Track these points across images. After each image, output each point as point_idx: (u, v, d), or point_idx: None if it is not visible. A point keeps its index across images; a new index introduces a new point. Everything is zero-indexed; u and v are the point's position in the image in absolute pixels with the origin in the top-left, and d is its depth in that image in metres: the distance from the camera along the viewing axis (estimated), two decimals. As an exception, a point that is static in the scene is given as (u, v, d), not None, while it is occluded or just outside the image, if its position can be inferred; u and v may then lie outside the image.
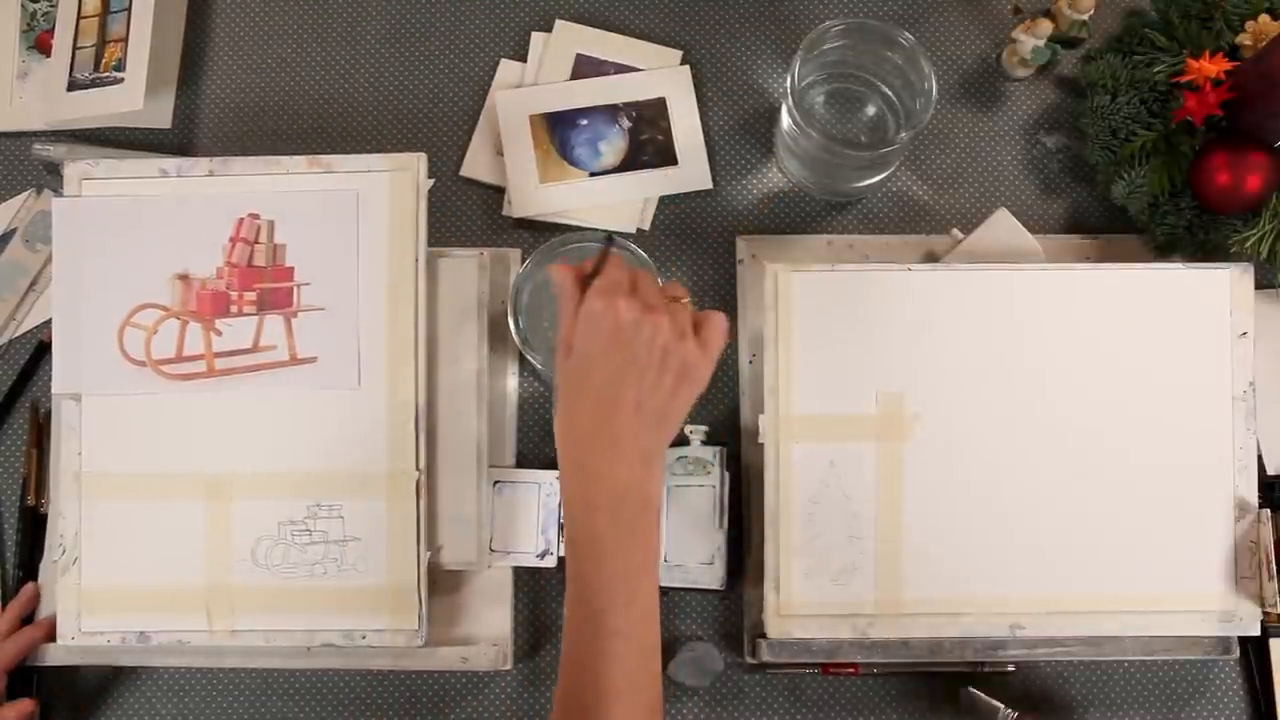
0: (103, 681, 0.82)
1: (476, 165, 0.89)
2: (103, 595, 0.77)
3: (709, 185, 0.88)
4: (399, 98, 0.91)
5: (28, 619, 0.79)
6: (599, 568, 0.62)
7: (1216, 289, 0.78)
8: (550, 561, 0.80)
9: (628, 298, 0.63)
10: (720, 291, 0.87)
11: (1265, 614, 0.77)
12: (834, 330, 0.78)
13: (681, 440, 0.80)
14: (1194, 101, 0.79)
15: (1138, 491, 0.77)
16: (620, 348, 0.62)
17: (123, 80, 0.87)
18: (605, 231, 0.75)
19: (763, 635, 0.78)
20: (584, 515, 0.63)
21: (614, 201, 0.88)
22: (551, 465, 0.82)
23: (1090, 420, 0.78)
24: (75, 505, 0.78)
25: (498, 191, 0.89)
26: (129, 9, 0.89)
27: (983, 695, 0.77)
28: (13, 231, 0.89)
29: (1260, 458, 0.81)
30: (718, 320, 0.66)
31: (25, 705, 0.77)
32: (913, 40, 0.80)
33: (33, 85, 0.92)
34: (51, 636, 0.77)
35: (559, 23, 0.91)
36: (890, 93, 0.85)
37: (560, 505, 0.79)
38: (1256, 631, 0.77)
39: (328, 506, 0.77)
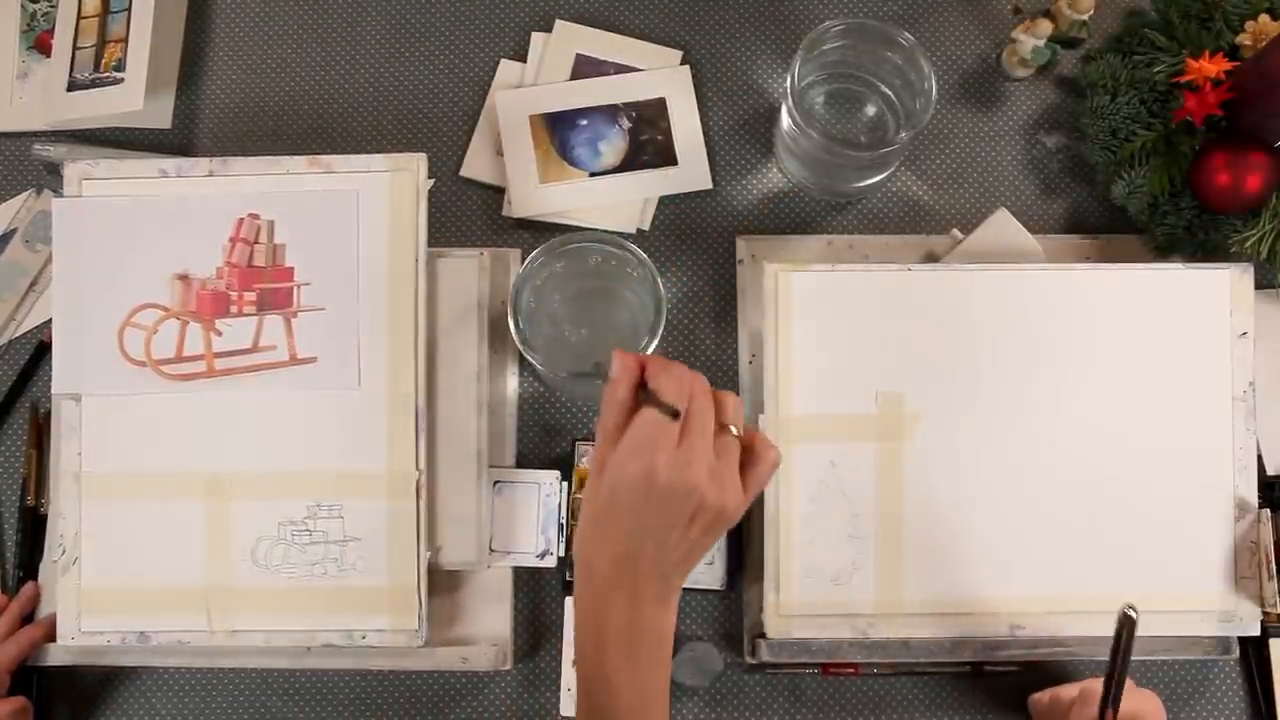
0: (103, 681, 0.82)
1: (476, 165, 0.89)
2: (103, 595, 0.77)
3: (709, 185, 0.88)
4: (399, 98, 0.91)
5: (28, 619, 0.79)
6: (612, 700, 0.62)
7: (1216, 289, 0.78)
8: (550, 561, 0.80)
9: (671, 450, 0.59)
10: (720, 291, 0.87)
11: (1265, 614, 0.77)
12: (834, 330, 0.78)
13: (681, 440, 0.80)
14: (1194, 101, 0.79)
15: (1138, 491, 0.77)
16: (651, 498, 0.59)
17: (123, 80, 0.88)
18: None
19: (763, 635, 0.78)
20: (596, 653, 0.62)
21: (614, 201, 0.88)
22: (551, 465, 0.82)
23: (1090, 420, 0.78)
24: (75, 505, 0.78)
25: (498, 191, 0.89)
26: (129, 9, 0.89)
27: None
28: (13, 231, 0.89)
29: (1260, 458, 0.81)
30: (769, 456, 0.62)
31: (19, 700, 0.77)
32: (913, 40, 0.80)
33: (33, 85, 0.92)
34: (52, 636, 0.78)
35: (559, 23, 0.91)
36: (890, 93, 0.85)
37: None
38: (1256, 631, 0.77)
39: (328, 506, 0.77)
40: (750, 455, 0.62)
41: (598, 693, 0.62)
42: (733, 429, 0.62)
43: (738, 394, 0.84)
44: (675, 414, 0.60)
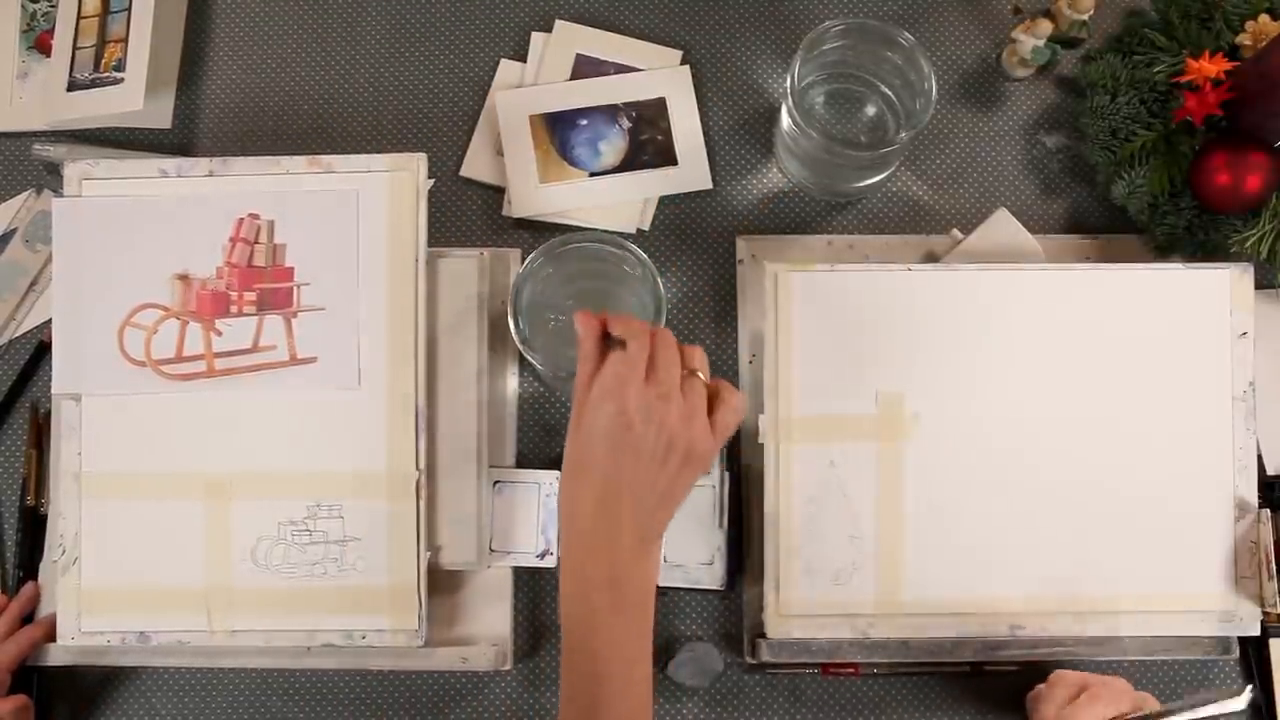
0: (103, 681, 0.82)
1: (476, 165, 0.89)
2: (103, 595, 0.77)
3: (709, 185, 0.88)
4: (399, 98, 0.91)
5: (28, 619, 0.79)
6: (594, 636, 0.63)
7: (1216, 289, 0.78)
8: (550, 561, 0.80)
9: (639, 386, 0.63)
10: (720, 291, 0.87)
11: (1265, 614, 0.77)
12: (834, 330, 0.78)
13: (681, 440, 0.80)
14: (1194, 101, 0.79)
15: (1137, 491, 0.77)
16: (625, 437, 0.62)
17: (123, 80, 0.88)
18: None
19: (763, 635, 0.78)
20: (580, 591, 0.64)
21: (614, 201, 0.88)
22: (551, 465, 0.82)
23: (1090, 420, 0.78)
24: (75, 505, 0.78)
25: (498, 191, 0.89)
26: (129, 9, 0.89)
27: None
28: (13, 231, 0.89)
29: (1260, 458, 0.81)
30: (733, 402, 0.65)
31: (21, 699, 0.77)
32: (913, 40, 0.80)
33: (33, 85, 0.92)
34: (52, 636, 0.77)
35: (559, 23, 0.91)
36: (890, 93, 0.85)
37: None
38: (1256, 631, 0.77)
39: (328, 506, 0.77)
40: (716, 401, 0.65)
41: (580, 634, 0.64)
42: (699, 374, 0.65)
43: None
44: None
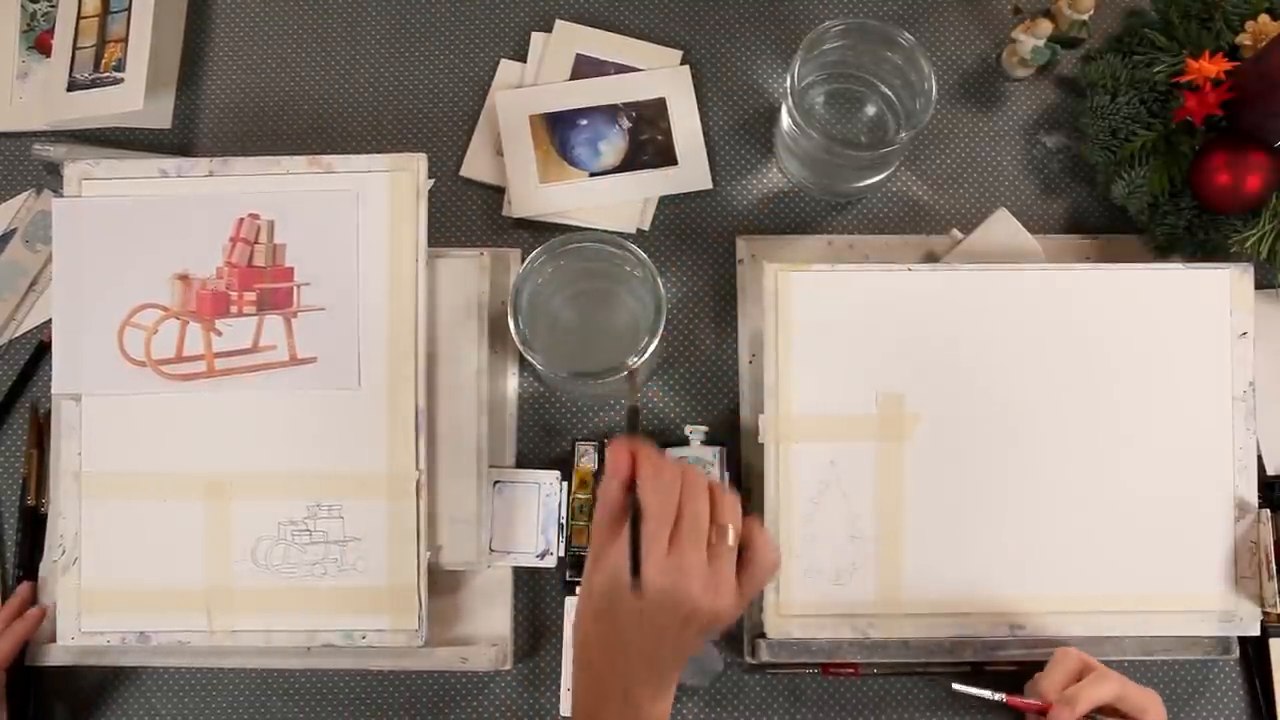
0: (103, 681, 0.82)
1: (476, 165, 0.89)
2: (103, 595, 0.77)
3: (709, 185, 0.88)
4: (399, 98, 0.91)
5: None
6: None
7: (1216, 289, 0.78)
8: (550, 561, 0.80)
9: (660, 559, 0.58)
10: (720, 291, 0.87)
11: (1265, 614, 0.77)
12: (834, 330, 0.78)
13: (681, 440, 0.80)
14: (1194, 101, 0.79)
15: (1137, 491, 0.77)
16: (646, 616, 0.59)
17: (123, 80, 0.88)
18: (630, 406, 0.72)
19: (763, 635, 0.78)
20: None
21: (614, 201, 0.88)
22: (551, 465, 0.82)
23: (1090, 420, 0.78)
24: (75, 505, 0.78)
25: (498, 191, 0.89)
26: (129, 9, 0.89)
27: (971, 690, 0.75)
28: (13, 231, 0.89)
29: (1260, 458, 0.81)
30: (766, 561, 0.60)
31: (33, 609, 0.77)
32: (913, 40, 0.80)
33: (33, 85, 0.92)
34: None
35: (559, 23, 0.91)
36: (890, 93, 0.85)
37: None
38: (1256, 631, 0.77)
39: (328, 506, 0.77)
40: (748, 555, 0.61)
41: None
42: (730, 529, 0.60)
43: (737, 393, 0.84)
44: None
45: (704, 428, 0.80)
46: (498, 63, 0.91)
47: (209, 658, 0.79)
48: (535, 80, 0.90)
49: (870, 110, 0.87)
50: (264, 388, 0.78)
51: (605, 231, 0.81)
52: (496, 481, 0.81)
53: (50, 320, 0.83)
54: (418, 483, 0.77)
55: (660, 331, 0.74)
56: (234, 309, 0.79)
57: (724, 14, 0.92)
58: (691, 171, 0.88)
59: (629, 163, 0.88)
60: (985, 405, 0.78)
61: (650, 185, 0.88)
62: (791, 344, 0.78)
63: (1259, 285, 0.79)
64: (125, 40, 0.88)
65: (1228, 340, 0.78)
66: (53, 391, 0.79)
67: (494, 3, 0.93)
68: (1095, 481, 0.77)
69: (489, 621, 0.81)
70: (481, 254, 0.82)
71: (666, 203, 0.88)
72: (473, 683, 0.81)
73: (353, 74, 0.92)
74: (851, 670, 0.80)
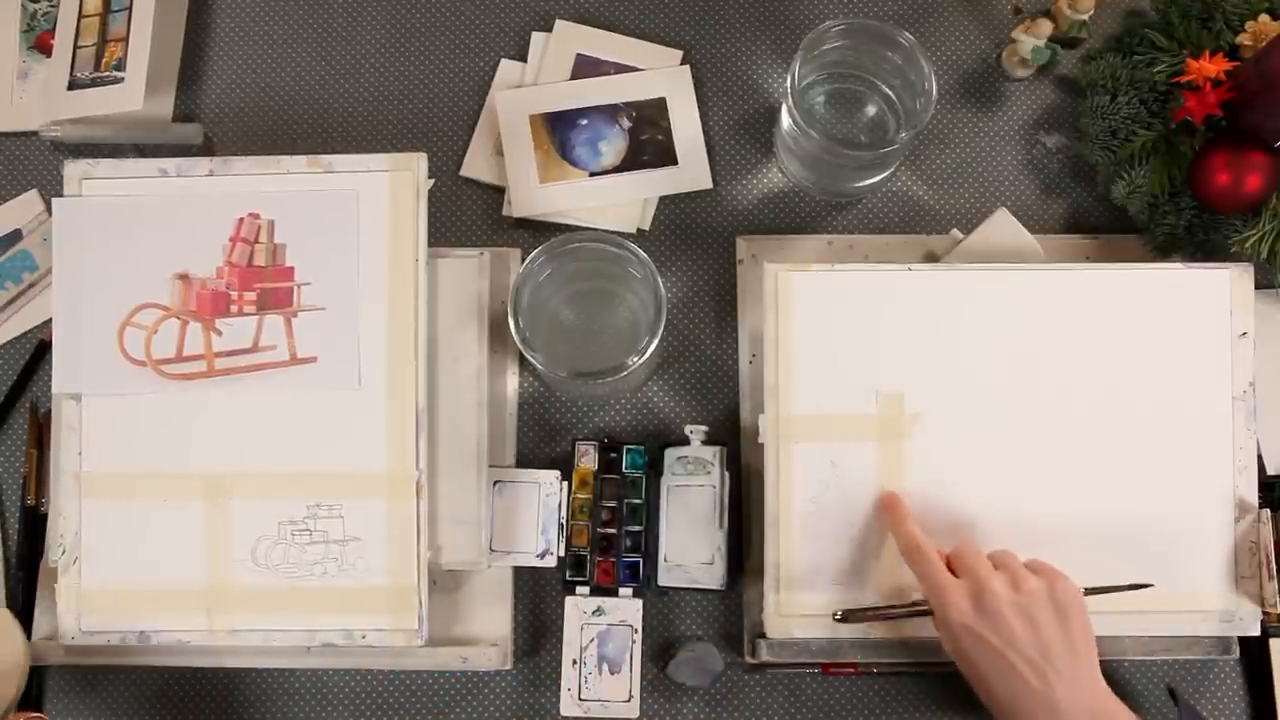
0: (103, 681, 0.82)
1: (476, 165, 0.89)
2: (103, 595, 0.77)
3: (709, 185, 0.88)
4: (399, 98, 0.91)
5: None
6: None
7: (1216, 289, 0.78)
8: (550, 561, 0.80)
9: (1011, 599, 0.70)
10: (720, 291, 0.87)
11: (1265, 614, 0.77)
12: (834, 330, 0.78)
13: (681, 440, 0.80)
14: (1194, 101, 0.79)
15: (1137, 491, 0.77)
16: (1012, 648, 0.69)
17: (123, 80, 0.88)
18: None
19: (763, 635, 0.78)
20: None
21: (614, 201, 0.88)
22: (551, 465, 0.82)
23: (1090, 420, 0.78)
24: (75, 505, 0.78)
25: (498, 191, 0.89)
26: (130, 8, 0.89)
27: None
28: (15, 232, 0.89)
29: (1260, 458, 0.81)
30: (1060, 575, 0.71)
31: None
32: (913, 40, 0.80)
33: (33, 85, 0.92)
34: None
35: (559, 23, 0.91)
36: (890, 93, 0.85)
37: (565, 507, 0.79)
38: (1256, 631, 0.77)
39: (328, 506, 0.77)
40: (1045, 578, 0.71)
41: None
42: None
43: (737, 393, 0.84)
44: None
45: (704, 428, 0.80)
46: (498, 62, 0.91)
47: (209, 658, 0.79)
48: (535, 80, 0.90)
49: (870, 110, 0.87)
50: (264, 387, 0.78)
51: (605, 231, 0.81)
52: (496, 481, 0.81)
53: (50, 320, 0.83)
54: (418, 483, 0.77)
55: (660, 331, 0.74)
56: (234, 309, 0.79)
57: (724, 14, 0.92)
58: (691, 171, 0.88)
59: (629, 162, 0.88)
60: (985, 405, 0.78)
61: (650, 185, 0.88)
62: (791, 344, 0.78)
63: (1259, 285, 0.79)
64: (126, 40, 0.88)
65: (1228, 340, 0.78)
66: (53, 391, 0.79)
67: (494, 3, 0.93)
68: (1095, 481, 0.77)
69: (489, 621, 0.81)
70: (481, 254, 0.82)
71: (666, 203, 0.88)
72: (473, 683, 0.81)
73: (353, 74, 0.92)
74: (851, 670, 0.80)
